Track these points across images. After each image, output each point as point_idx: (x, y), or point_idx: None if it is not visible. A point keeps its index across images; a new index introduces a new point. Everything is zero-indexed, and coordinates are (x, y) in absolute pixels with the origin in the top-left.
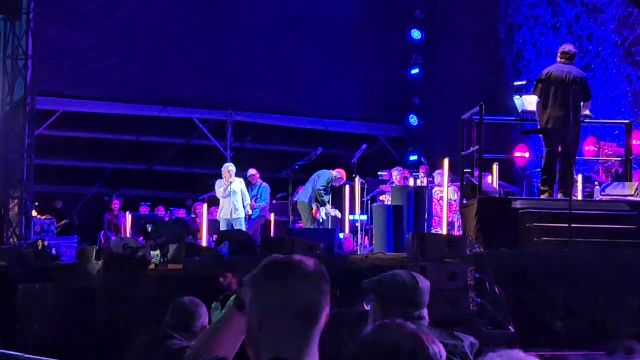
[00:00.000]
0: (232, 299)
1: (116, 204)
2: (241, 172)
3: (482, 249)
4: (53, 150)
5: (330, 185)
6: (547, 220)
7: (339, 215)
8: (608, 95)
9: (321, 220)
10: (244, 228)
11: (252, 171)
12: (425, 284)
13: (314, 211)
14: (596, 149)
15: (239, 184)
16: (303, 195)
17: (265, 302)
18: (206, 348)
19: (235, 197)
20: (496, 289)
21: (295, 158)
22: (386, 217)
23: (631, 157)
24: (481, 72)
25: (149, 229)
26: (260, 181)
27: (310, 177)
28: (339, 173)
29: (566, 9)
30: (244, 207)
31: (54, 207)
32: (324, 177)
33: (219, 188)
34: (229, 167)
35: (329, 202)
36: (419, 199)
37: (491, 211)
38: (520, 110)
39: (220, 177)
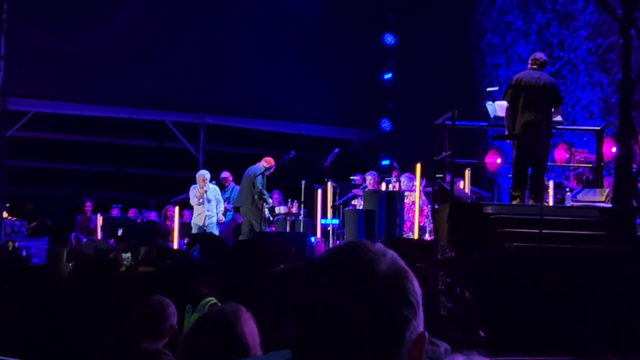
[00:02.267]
0: (203, 302)
1: (88, 206)
2: (213, 175)
3: (453, 254)
4: (24, 152)
5: (265, 178)
6: (518, 226)
7: (269, 202)
8: (579, 101)
9: (271, 219)
10: (216, 233)
11: (225, 174)
12: None
13: (262, 212)
14: (567, 155)
15: (213, 191)
16: (241, 199)
17: None
18: None
19: (209, 204)
20: (466, 294)
21: None
22: (358, 221)
23: (602, 164)
24: (454, 77)
25: (120, 231)
26: (232, 184)
27: (242, 179)
28: (266, 162)
29: (537, 15)
30: (217, 214)
31: (25, 209)
32: (258, 174)
33: (193, 196)
34: (205, 175)
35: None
36: (391, 204)
37: (463, 216)
38: (492, 116)
39: (193, 182)
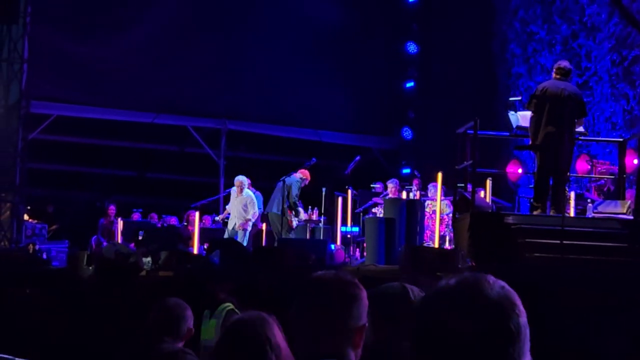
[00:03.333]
0: (221, 307)
1: (112, 210)
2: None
3: (473, 263)
4: (46, 155)
5: (300, 190)
6: (539, 236)
7: (302, 216)
8: (603, 113)
9: (294, 228)
10: (240, 238)
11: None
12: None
13: (289, 221)
14: (589, 167)
15: (246, 199)
16: (272, 206)
17: None
18: None
19: (239, 210)
20: None
21: (289, 168)
22: (378, 229)
23: (624, 175)
24: (475, 86)
25: (141, 236)
26: (253, 190)
27: (276, 187)
28: (303, 174)
29: (562, 26)
30: (244, 219)
31: (45, 212)
32: (294, 185)
33: (233, 205)
34: (243, 181)
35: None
36: (412, 212)
37: (483, 226)
38: (514, 126)
39: (214, 187)
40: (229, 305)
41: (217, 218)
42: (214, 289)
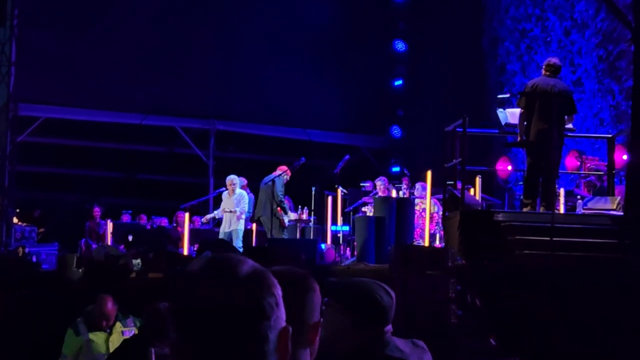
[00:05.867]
0: None
1: (97, 212)
2: (222, 181)
3: (464, 261)
4: (35, 157)
5: (284, 187)
6: (529, 233)
7: (292, 217)
8: (591, 109)
9: (286, 226)
10: (240, 238)
11: (243, 180)
12: (393, 296)
13: (281, 221)
14: (578, 163)
15: (237, 197)
16: (261, 209)
17: None
18: None
19: (232, 209)
20: (477, 302)
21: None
22: (368, 228)
23: (613, 171)
24: (464, 84)
25: (131, 238)
26: (246, 190)
27: (261, 189)
28: (282, 171)
29: (555, 23)
30: (222, 213)
31: (31, 217)
32: (278, 184)
33: (226, 204)
34: (233, 180)
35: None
36: (402, 210)
37: (473, 223)
38: (503, 123)
39: (203, 187)
40: None
41: (203, 220)
42: None
